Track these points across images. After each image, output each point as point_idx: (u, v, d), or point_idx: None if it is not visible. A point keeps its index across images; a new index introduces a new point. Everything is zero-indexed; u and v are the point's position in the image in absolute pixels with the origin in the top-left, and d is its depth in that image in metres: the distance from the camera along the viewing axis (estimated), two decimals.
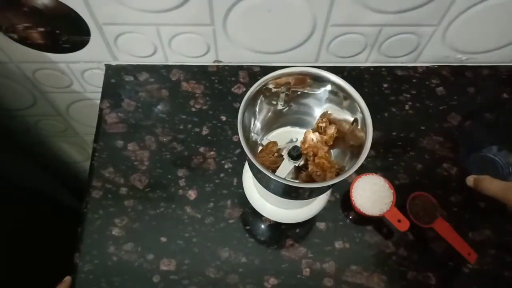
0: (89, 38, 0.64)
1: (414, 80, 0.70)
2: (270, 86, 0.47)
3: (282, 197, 0.48)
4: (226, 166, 0.62)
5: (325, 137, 0.50)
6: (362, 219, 0.59)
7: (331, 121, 0.51)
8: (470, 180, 0.54)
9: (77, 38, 0.64)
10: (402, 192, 0.61)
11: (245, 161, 0.61)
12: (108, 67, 0.70)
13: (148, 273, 0.56)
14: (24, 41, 0.64)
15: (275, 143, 0.51)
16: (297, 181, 0.51)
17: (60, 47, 0.66)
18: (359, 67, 0.71)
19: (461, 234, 0.57)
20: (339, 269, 0.57)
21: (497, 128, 0.63)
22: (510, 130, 0.62)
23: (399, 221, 0.56)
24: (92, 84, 0.76)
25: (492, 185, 0.50)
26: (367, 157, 0.41)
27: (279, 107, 0.52)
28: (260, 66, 0.70)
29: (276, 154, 0.50)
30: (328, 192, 0.57)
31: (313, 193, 0.49)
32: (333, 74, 0.46)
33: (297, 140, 0.53)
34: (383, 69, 0.71)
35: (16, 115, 0.87)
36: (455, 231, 0.57)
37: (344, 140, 0.50)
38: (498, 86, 0.70)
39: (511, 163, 0.62)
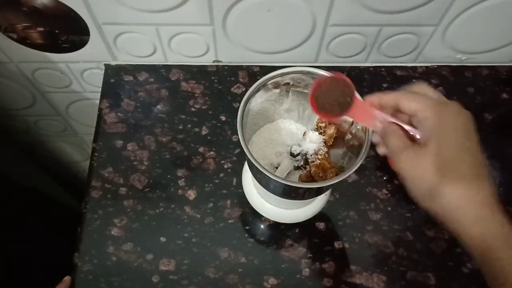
0: (89, 38, 0.64)
1: (413, 80, 0.70)
2: (270, 86, 0.47)
3: (282, 197, 0.48)
4: (225, 166, 0.62)
5: (325, 137, 0.50)
6: (362, 219, 0.59)
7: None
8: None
9: (76, 37, 0.64)
10: (402, 192, 0.61)
11: (245, 161, 0.60)
12: (108, 67, 0.70)
13: (148, 273, 0.56)
14: (24, 40, 0.64)
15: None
16: (297, 181, 0.51)
17: (59, 47, 0.66)
18: (358, 67, 0.71)
19: None
20: (339, 269, 0.57)
21: (492, 140, 0.63)
22: (503, 146, 0.62)
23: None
24: (91, 84, 0.76)
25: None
26: (367, 157, 0.41)
27: (279, 106, 0.52)
28: (260, 66, 0.70)
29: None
30: (328, 192, 0.57)
31: (312, 193, 0.49)
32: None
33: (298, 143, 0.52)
34: (383, 69, 0.71)
35: (16, 115, 0.86)
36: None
37: (344, 140, 0.50)
38: (498, 86, 0.70)
39: (495, 176, 0.62)
